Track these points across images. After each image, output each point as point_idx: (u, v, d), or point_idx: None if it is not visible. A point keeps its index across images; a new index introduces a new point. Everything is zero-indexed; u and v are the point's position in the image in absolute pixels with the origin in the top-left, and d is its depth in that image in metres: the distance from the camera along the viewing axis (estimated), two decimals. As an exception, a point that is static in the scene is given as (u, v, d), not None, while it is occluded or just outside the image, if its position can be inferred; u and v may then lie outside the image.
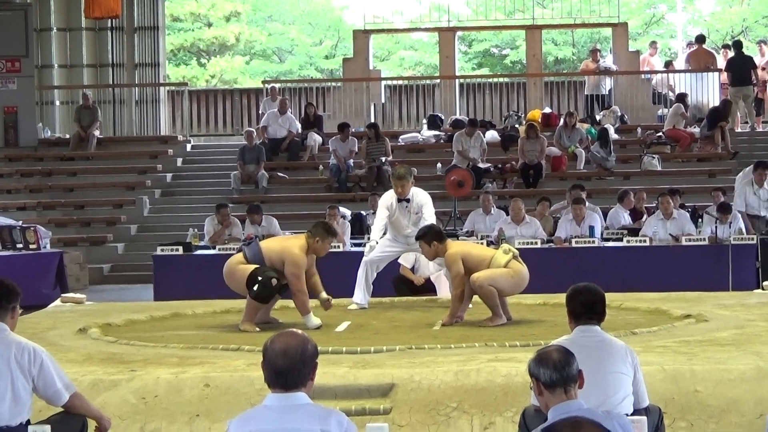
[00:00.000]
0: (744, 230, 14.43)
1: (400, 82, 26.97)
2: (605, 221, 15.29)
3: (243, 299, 9.55)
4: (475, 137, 19.71)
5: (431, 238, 9.77)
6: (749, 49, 25.65)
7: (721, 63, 22.20)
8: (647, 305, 10.26)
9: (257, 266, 9.39)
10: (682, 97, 21.28)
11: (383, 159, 19.45)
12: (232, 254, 14.26)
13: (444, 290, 11.97)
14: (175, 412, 6.94)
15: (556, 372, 4.61)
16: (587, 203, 15.41)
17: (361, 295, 10.97)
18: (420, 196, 11.21)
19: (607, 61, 23.88)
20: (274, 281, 9.37)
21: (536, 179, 19.38)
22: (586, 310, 5.78)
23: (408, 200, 11.02)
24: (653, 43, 25.52)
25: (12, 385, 5.80)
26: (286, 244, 9.58)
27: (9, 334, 5.94)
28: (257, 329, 9.26)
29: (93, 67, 23.74)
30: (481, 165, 19.38)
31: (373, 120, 22.48)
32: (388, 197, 11.21)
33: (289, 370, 4.29)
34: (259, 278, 9.33)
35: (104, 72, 23.80)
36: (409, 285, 12.59)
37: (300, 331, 4.43)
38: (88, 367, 7.47)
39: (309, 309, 9.44)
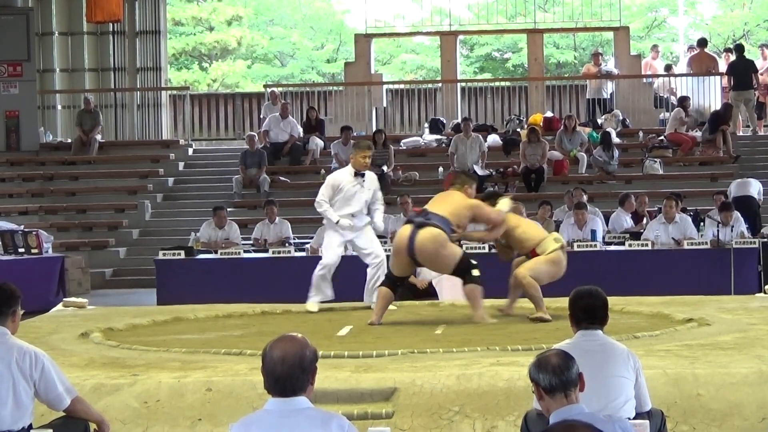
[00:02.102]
0: (746, 233, 14.44)
1: (402, 86, 26.99)
2: (607, 225, 15.28)
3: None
4: (473, 140, 19.69)
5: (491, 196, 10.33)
6: (751, 52, 25.63)
7: (723, 67, 22.17)
8: (649, 309, 10.26)
9: (465, 254, 9.73)
10: (683, 101, 21.25)
11: (384, 168, 19.42)
12: (234, 259, 14.48)
13: (445, 294, 11.96)
14: (177, 417, 6.93)
15: (555, 377, 4.62)
16: (589, 207, 15.40)
17: (319, 297, 10.87)
18: (371, 175, 10.97)
19: (609, 64, 23.87)
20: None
21: (538, 183, 19.37)
22: (588, 314, 5.78)
23: (363, 175, 10.77)
24: (655, 47, 25.50)
25: (14, 390, 5.79)
26: (466, 204, 9.77)
27: (10, 338, 5.93)
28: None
29: (95, 72, 23.74)
30: (478, 170, 19.29)
31: (374, 123, 22.50)
32: (341, 175, 10.87)
33: (288, 377, 4.28)
34: (473, 261, 9.66)
35: (106, 76, 23.81)
36: (411, 289, 12.56)
37: (299, 336, 4.41)
38: (90, 371, 7.46)
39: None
